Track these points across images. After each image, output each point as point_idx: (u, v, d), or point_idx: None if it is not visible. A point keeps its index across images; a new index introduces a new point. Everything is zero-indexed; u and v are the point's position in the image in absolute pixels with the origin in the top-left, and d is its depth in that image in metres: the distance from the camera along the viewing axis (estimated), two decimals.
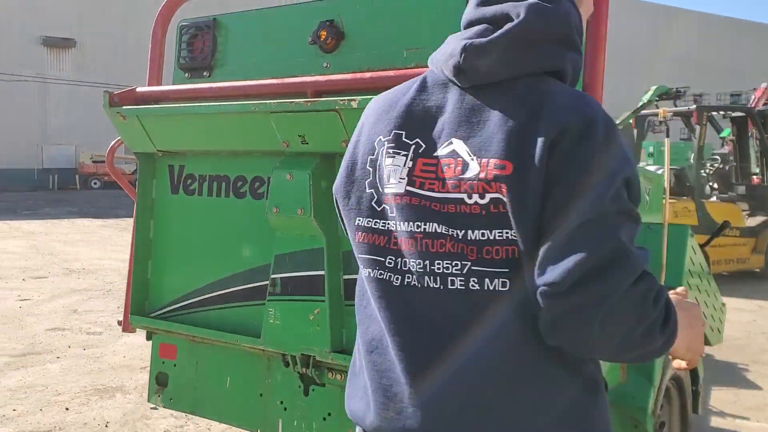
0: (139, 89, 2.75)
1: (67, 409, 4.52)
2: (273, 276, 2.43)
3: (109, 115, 2.70)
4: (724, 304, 4.21)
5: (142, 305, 2.87)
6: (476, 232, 1.12)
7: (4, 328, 6.60)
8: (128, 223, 13.18)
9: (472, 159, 1.13)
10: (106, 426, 4.24)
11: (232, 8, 2.86)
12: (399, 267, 1.20)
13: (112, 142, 3.00)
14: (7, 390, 4.88)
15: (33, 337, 6.30)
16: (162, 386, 2.88)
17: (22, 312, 7.33)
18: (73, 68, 40.62)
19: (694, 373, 3.38)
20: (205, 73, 2.78)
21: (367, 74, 2.25)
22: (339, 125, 2.18)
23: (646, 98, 6.83)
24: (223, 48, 2.77)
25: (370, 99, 1.41)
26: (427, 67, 1.31)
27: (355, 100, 2.09)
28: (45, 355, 5.74)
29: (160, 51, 2.92)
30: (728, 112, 11.36)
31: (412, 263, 1.18)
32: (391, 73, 2.17)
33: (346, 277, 2.36)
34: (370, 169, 1.27)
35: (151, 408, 4.41)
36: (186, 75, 2.84)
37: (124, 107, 2.67)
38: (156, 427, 4.24)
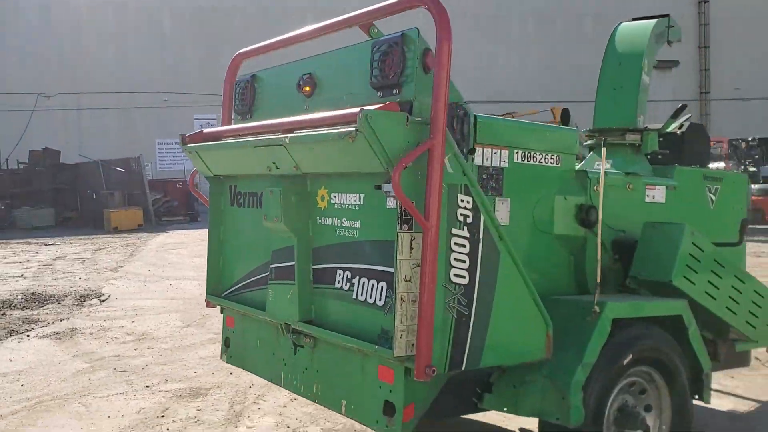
0: (205, 131, 3.79)
1: (231, 373, 5.77)
2: (270, 266, 3.31)
3: (184, 151, 3.77)
4: None
5: (216, 288, 3.91)
6: None
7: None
8: None
9: None
10: (250, 387, 5.39)
11: (275, 60, 3.75)
12: None
13: (192, 170, 4.06)
14: (198, 357, 6.33)
15: None
16: (227, 347, 3.90)
17: None
18: None
19: (696, 361, 3.57)
20: (247, 116, 3.74)
21: (316, 115, 3.02)
22: (288, 155, 2.99)
23: None
24: (259, 96, 3.70)
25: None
26: None
27: (287, 137, 2.90)
28: None
29: (228, 100, 3.92)
30: None
31: None
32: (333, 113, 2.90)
33: (315, 266, 3.15)
34: None
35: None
36: (238, 118, 3.82)
37: (188, 145, 3.73)
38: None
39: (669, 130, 4.60)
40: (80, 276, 11.85)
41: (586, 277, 3.73)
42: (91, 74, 37.98)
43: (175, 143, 42.18)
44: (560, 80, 37.52)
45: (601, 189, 3.34)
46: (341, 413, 3.06)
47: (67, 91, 37.65)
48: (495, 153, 3.42)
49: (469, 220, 2.77)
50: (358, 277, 2.91)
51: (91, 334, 7.47)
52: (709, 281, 3.70)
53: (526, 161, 3.52)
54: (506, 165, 3.45)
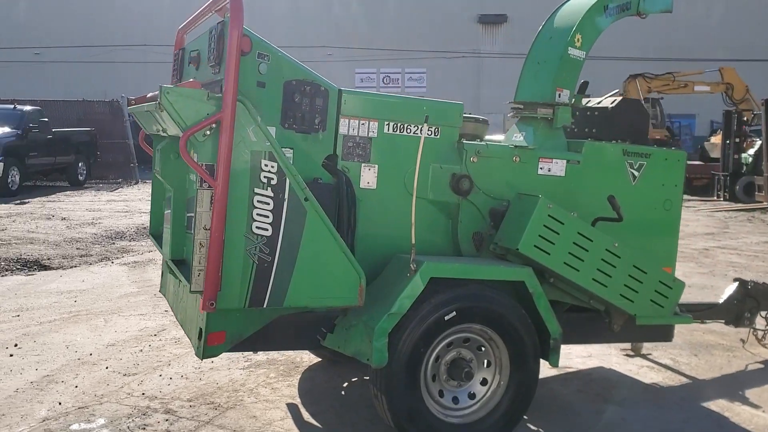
0: (148, 95, 4.47)
1: None
2: (165, 211, 3.98)
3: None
4: (675, 280, 4.25)
5: (155, 229, 4.64)
6: None
7: None
8: None
9: None
10: None
11: None
12: None
13: None
14: None
15: None
16: (161, 281, 4.64)
17: None
18: (506, 42, 43.96)
19: (543, 326, 3.81)
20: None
21: None
22: (158, 120, 3.60)
23: None
24: (184, 67, 4.32)
25: None
26: None
27: (144, 106, 3.51)
28: None
29: (172, 70, 4.57)
30: None
31: None
32: None
33: (189, 214, 3.76)
34: None
35: None
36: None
37: (130, 107, 4.44)
38: None
39: (597, 105, 4.68)
40: None
41: (459, 239, 4.06)
42: (265, 29, 40.31)
43: None
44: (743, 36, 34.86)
45: (418, 159, 3.64)
46: (189, 338, 3.71)
47: None
48: (363, 124, 3.83)
49: (273, 182, 3.26)
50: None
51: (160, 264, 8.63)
52: (570, 253, 3.88)
53: (398, 132, 3.89)
54: (375, 135, 3.85)
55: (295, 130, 3.60)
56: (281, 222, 3.30)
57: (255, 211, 3.24)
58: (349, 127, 3.79)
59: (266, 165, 3.24)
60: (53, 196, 16.59)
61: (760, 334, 5.63)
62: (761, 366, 5.25)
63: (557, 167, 4.25)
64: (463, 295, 3.61)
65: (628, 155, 4.43)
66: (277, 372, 4.84)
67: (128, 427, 3.94)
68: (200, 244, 3.18)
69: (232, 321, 3.43)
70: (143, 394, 4.45)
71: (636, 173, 4.45)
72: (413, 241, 3.56)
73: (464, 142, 4.05)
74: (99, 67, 37.37)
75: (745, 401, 4.50)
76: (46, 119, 17.60)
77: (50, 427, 3.94)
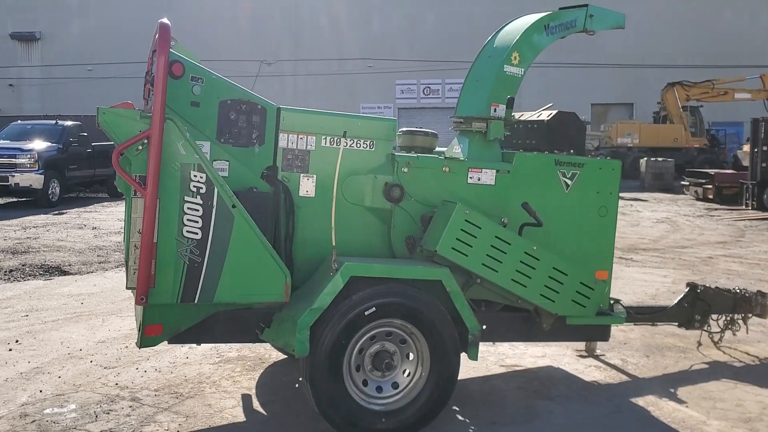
0: None
1: None
2: None
3: None
4: (597, 282, 4.52)
5: None
6: None
7: None
8: None
9: None
10: None
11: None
12: None
13: None
14: None
15: None
16: None
17: None
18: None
19: (463, 324, 4.13)
20: None
21: None
22: None
23: None
24: None
25: None
26: None
27: None
28: None
29: None
30: None
31: None
32: None
33: None
34: None
35: None
36: None
37: None
38: None
39: (534, 118, 5.00)
40: None
41: (392, 242, 4.43)
42: (307, 42, 41.25)
43: (378, 108, 44.61)
44: None
45: (337, 169, 4.03)
46: None
47: (286, 58, 41.17)
48: (301, 138, 4.24)
49: (202, 191, 3.68)
50: None
51: None
52: (488, 255, 4.21)
53: (334, 145, 4.29)
54: (312, 148, 4.26)
55: (231, 144, 4.03)
56: (210, 227, 3.71)
57: (186, 217, 3.67)
58: (288, 140, 4.21)
59: (195, 176, 3.66)
60: (90, 207, 17.43)
61: (715, 336, 5.82)
62: (705, 366, 5.45)
63: (487, 176, 4.57)
64: (382, 292, 3.95)
65: (560, 165, 4.72)
66: (243, 367, 5.26)
67: (95, 412, 4.40)
68: (134, 245, 3.62)
69: (169, 315, 3.85)
70: (117, 384, 4.92)
71: (569, 182, 4.74)
72: (333, 243, 3.94)
73: (396, 154, 4.42)
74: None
75: (673, 397, 4.73)
76: (86, 134, 18.49)
77: (27, 411, 4.43)
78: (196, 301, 3.75)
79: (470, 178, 4.55)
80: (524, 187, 4.65)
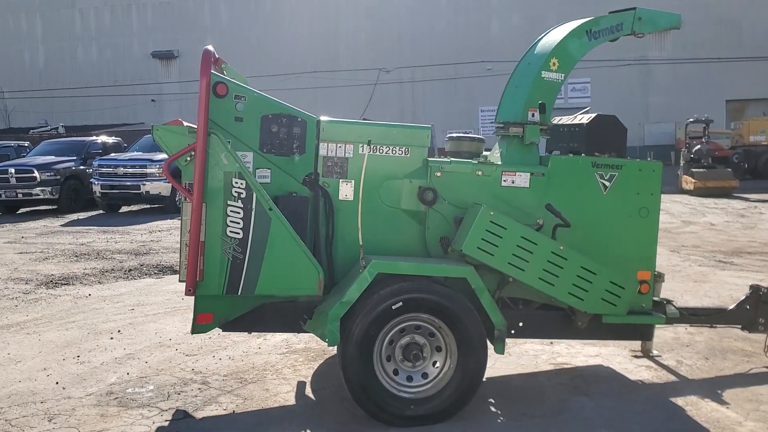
0: None
1: None
2: None
3: None
4: (629, 281, 4.59)
5: None
6: None
7: None
8: None
9: None
10: None
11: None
12: None
13: None
14: None
15: None
16: None
17: None
18: (674, 47, 42.20)
19: (488, 319, 4.36)
20: None
21: None
22: None
23: None
24: None
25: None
26: None
27: None
28: None
29: None
30: None
31: None
32: None
33: None
34: None
35: None
36: None
37: None
38: None
39: (577, 122, 5.14)
40: None
41: (427, 243, 4.73)
42: (424, 48, 41.85)
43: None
44: None
45: (363, 173, 4.38)
46: None
47: (403, 65, 41.93)
48: (340, 147, 4.64)
49: (243, 196, 4.15)
50: None
51: None
52: (514, 254, 4.42)
53: (371, 153, 4.65)
54: (351, 156, 4.65)
55: (273, 154, 4.48)
56: (250, 227, 4.18)
57: (229, 219, 4.15)
58: (327, 149, 4.61)
59: (236, 182, 4.14)
60: None
61: None
62: (765, 370, 5.33)
63: (521, 179, 4.77)
64: (409, 288, 4.27)
65: (597, 167, 4.84)
66: (306, 357, 5.72)
67: (168, 393, 4.99)
68: (186, 244, 4.14)
69: (218, 305, 4.36)
70: (192, 369, 5.51)
71: (607, 183, 4.84)
72: (361, 243, 4.30)
73: (429, 159, 4.71)
74: None
75: (716, 398, 4.71)
76: None
77: (113, 389, 5.08)
78: (239, 293, 4.23)
79: (504, 181, 4.76)
80: (560, 189, 4.80)
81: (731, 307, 5.55)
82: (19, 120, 45.55)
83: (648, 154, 42.27)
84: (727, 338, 6.08)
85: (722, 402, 4.66)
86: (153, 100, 44.38)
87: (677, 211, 17.07)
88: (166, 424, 4.45)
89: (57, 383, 5.21)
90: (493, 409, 4.63)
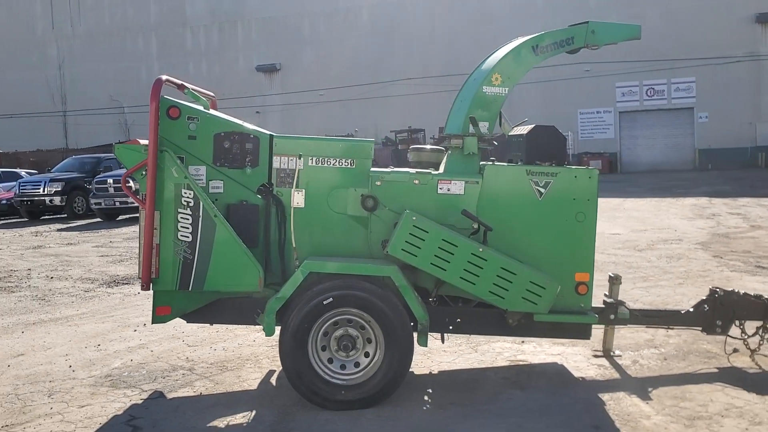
0: None
1: None
2: None
3: None
4: (548, 281, 4.87)
5: None
6: None
7: None
8: None
9: None
10: None
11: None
12: None
13: None
14: None
15: None
16: None
17: None
18: None
19: (412, 315, 4.79)
20: None
21: None
22: None
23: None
24: None
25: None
26: None
27: None
28: None
29: None
30: None
31: None
32: None
33: None
34: None
35: None
36: None
37: None
38: None
39: (511, 133, 5.47)
40: None
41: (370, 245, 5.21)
42: None
43: (597, 112, 43.58)
44: None
45: (295, 181, 4.90)
46: None
47: None
48: (291, 159, 5.21)
49: (191, 204, 4.79)
50: None
51: None
52: (436, 255, 4.82)
53: (320, 164, 5.19)
54: (301, 167, 5.20)
55: (227, 167, 5.09)
56: (198, 231, 4.81)
57: (179, 224, 4.80)
58: (280, 162, 5.18)
59: (185, 193, 4.79)
60: None
61: (753, 344, 5.70)
62: (714, 371, 5.41)
63: (456, 187, 5.15)
64: (338, 285, 4.76)
65: (532, 174, 5.16)
66: None
67: (155, 377, 5.70)
68: (140, 246, 4.83)
69: (175, 299, 5.01)
70: (187, 358, 6.22)
71: (542, 190, 5.15)
72: (294, 245, 4.85)
73: (372, 170, 5.18)
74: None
75: (643, 395, 4.88)
76: None
77: (112, 373, 5.86)
78: (190, 289, 4.87)
79: (440, 189, 5.16)
80: (495, 196, 5.15)
81: (688, 309, 5.67)
82: (137, 133, 48.97)
83: (760, 155, 40.37)
84: (700, 341, 6.16)
85: (646, 398, 4.85)
86: (258, 112, 46.53)
87: (754, 215, 16.45)
88: (141, 402, 5.14)
89: (70, 366, 6.05)
90: (426, 397, 5.04)
